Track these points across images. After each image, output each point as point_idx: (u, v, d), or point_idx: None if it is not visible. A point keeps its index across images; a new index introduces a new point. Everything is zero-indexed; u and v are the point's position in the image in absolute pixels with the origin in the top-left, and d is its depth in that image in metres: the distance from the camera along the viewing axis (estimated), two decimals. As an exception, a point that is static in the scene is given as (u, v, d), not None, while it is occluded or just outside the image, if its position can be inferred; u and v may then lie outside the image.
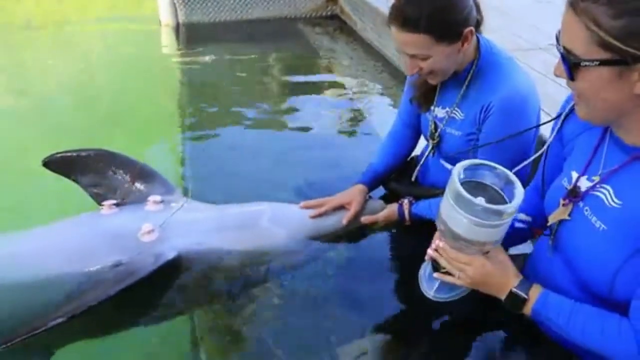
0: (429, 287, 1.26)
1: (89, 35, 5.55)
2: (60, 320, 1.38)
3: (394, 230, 1.84)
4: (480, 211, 1.05)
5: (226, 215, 1.80)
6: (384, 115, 3.26)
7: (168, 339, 1.58)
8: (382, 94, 3.70)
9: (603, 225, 1.05)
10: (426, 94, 1.74)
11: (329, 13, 5.71)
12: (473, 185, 1.11)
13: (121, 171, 1.88)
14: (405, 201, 1.77)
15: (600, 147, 1.11)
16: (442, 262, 1.20)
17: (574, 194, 1.12)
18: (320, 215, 1.78)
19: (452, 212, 1.08)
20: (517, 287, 1.14)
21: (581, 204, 1.11)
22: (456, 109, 1.66)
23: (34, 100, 3.76)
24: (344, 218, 1.77)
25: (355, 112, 3.38)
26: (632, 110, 0.97)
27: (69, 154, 1.92)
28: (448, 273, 1.21)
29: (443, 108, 1.70)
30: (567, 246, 1.15)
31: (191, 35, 5.24)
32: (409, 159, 2.01)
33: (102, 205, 1.81)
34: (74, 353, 1.54)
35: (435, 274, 1.24)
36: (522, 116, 1.52)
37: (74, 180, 1.90)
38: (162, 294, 1.66)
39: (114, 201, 1.81)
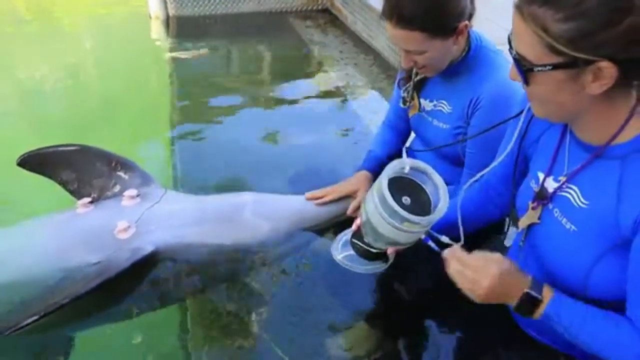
0: (340, 251, 1.28)
1: (78, 29, 5.50)
2: (33, 319, 1.35)
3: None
4: (391, 211, 1.06)
5: (206, 207, 1.75)
6: (373, 107, 3.25)
7: (155, 332, 1.55)
8: (372, 87, 3.68)
9: (573, 227, 1.02)
10: (411, 79, 1.70)
11: (319, 7, 5.68)
12: (412, 184, 1.12)
13: (96, 166, 1.84)
14: None
15: (562, 146, 1.08)
16: (459, 276, 1.06)
17: (541, 197, 1.09)
18: (325, 204, 1.73)
19: (371, 197, 1.11)
20: (530, 288, 1.01)
21: (550, 205, 1.08)
22: (443, 101, 1.63)
23: (22, 94, 3.72)
24: (349, 208, 1.71)
25: (345, 105, 3.36)
26: (589, 109, 0.94)
27: (42, 151, 1.86)
28: (369, 245, 1.21)
29: (431, 101, 1.67)
30: (539, 249, 1.12)
31: (181, 29, 5.20)
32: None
33: (78, 204, 1.77)
34: (63, 346, 1.51)
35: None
36: (511, 109, 1.47)
37: (50, 178, 1.86)
38: (142, 289, 1.63)
39: (89, 199, 1.77)
